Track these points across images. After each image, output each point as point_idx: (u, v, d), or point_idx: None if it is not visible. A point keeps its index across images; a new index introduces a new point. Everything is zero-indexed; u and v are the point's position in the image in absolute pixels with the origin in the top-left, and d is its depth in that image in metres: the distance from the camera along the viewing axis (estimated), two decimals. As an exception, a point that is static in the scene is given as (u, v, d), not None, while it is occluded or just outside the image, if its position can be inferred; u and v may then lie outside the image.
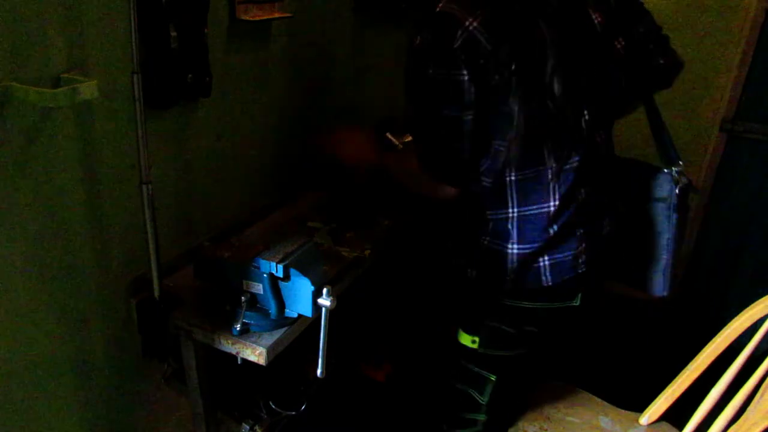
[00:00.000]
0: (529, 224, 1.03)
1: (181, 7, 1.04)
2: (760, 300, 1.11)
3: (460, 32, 0.91)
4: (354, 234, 1.36)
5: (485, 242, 1.07)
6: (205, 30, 1.11)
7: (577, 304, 1.11)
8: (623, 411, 1.28)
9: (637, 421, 1.25)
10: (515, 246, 1.04)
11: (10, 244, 0.85)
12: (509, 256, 1.04)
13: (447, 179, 1.05)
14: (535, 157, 1.00)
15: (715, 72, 2.07)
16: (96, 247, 1.00)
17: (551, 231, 1.02)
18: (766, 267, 2.14)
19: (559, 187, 1.01)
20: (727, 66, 2.04)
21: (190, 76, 1.11)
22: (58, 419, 1.01)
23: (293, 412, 1.32)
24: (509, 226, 1.04)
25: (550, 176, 1.01)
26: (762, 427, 0.91)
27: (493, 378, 1.16)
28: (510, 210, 1.03)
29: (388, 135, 1.47)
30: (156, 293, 1.06)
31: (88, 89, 0.80)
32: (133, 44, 0.91)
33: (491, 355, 1.16)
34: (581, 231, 1.05)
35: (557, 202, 1.01)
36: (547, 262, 1.04)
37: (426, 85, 0.96)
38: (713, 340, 1.16)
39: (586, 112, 1.03)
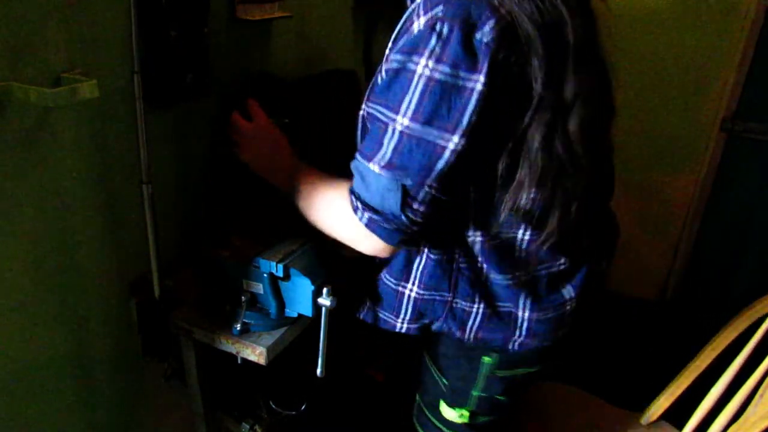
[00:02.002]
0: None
1: (181, 7, 1.04)
2: (759, 299, 1.11)
3: None
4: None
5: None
6: (205, 30, 1.11)
7: None
8: (623, 411, 1.28)
9: (637, 421, 1.25)
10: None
11: (9, 243, 0.85)
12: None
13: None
14: None
15: (715, 72, 2.07)
16: (96, 246, 1.00)
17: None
18: (766, 267, 2.14)
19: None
20: (727, 66, 2.04)
21: (190, 75, 1.11)
22: (57, 419, 1.01)
23: (293, 412, 1.32)
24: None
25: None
26: (762, 427, 0.91)
27: None
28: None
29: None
30: (156, 293, 1.06)
31: (88, 89, 0.80)
32: (133, 44, 0.91)
33: (481, 424, 1.02)
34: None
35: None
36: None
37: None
38: (713, 339, 1.16)
39: None
